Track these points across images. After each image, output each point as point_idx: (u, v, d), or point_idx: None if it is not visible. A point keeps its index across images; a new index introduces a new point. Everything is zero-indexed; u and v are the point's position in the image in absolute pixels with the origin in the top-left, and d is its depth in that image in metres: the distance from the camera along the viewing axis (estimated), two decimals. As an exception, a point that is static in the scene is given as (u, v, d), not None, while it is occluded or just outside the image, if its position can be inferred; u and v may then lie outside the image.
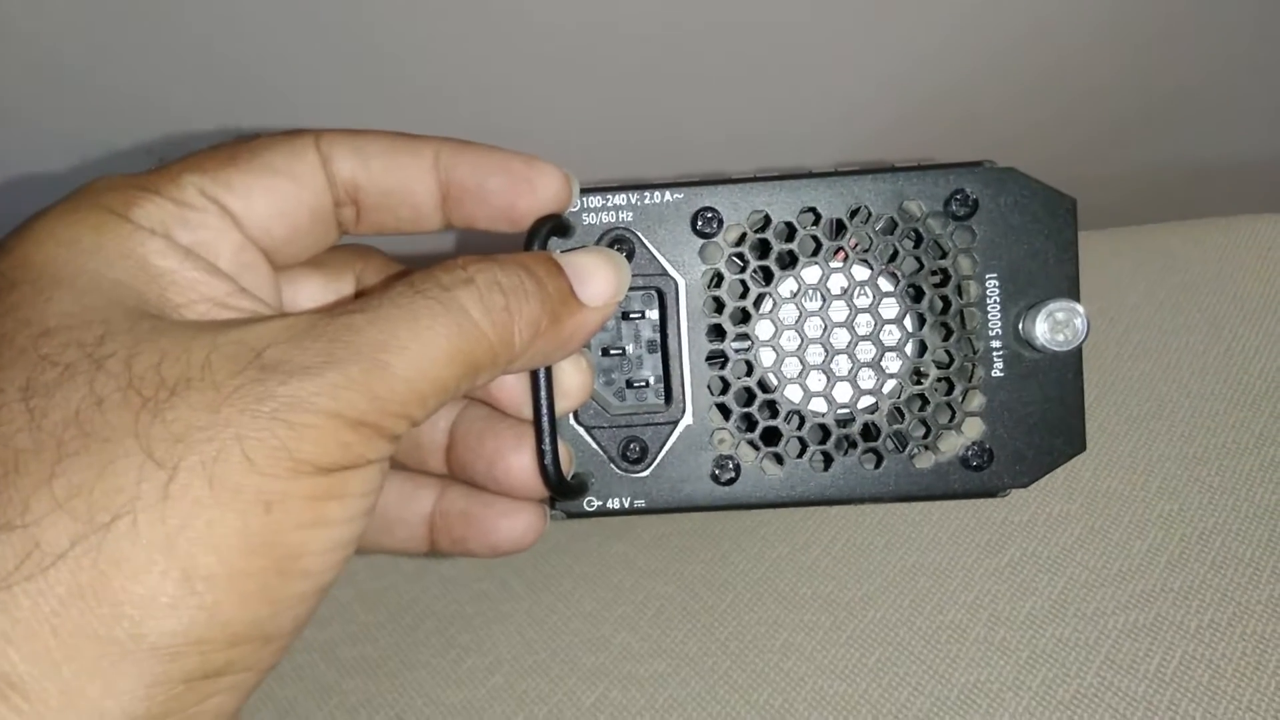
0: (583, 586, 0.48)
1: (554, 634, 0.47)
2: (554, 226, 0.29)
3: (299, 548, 0.21)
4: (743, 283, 0.31)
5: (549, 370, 0.28)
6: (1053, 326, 0.29)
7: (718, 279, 0.31)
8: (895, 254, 0.30)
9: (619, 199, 0.31)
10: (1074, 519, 0.46)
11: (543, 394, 0.28)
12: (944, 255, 0.30)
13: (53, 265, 0.23)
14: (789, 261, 0.31)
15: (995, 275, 0.30)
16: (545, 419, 0.28)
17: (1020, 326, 0.30)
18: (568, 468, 0.30)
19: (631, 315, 0.31)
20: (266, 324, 0.22)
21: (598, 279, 0.27)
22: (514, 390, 0.29)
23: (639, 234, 0.31)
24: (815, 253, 0.31)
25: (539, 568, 0.50)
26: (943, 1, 0.48)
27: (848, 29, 0.49)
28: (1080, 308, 0.29)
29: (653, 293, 0.31)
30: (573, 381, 0.29)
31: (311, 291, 0.30)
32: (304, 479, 0.21)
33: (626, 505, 0.31)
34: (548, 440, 0.28)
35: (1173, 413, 0.47)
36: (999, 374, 0.30)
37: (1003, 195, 0.30)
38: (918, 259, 0.30)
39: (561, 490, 0.29)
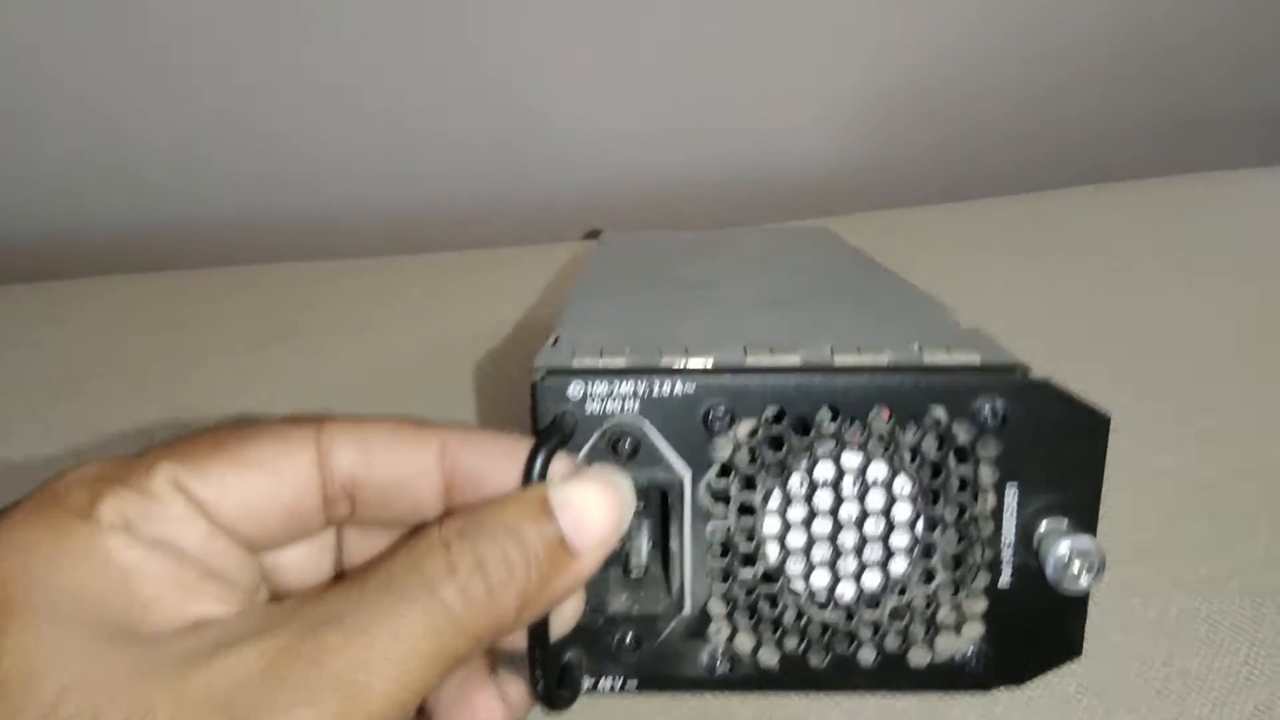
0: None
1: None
2: (556, 444, 0.26)
3: None
4: (751, 478, 0.29)
5: None
6: (1068, 566, 0.28)
7: (725, 472, 0.29)
8: (914, 456, 0.28)
9: (625, 387, 0.28)
10: (1072, 474, 0.45)
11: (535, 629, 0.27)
12: (964, 461, 0.28)
13: (7, 584, 0.22)
14: (801, 457, 0.29)
15: (1015, 484, 0.28)
16: (539, 650, 0.27)
17: (1035, 545, 0.29)
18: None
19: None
20: (237, 658, 0.21)
21: (596, 522, 0.25)
22: None
23: (645, 426, 0.28)
24: (830, 449, 0.28)
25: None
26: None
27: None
28: (1095, 548, 0.28)
29: (656, 487, 0.29)
30: (567, 610, 0.28)
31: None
32: None
33: (619, 687, 0.31)
34: (543, 671, 0.27)
35: (1173, 364, 0.45)
36: (1006, 584, 0.29)
37: (1034, 409, 0.28)
38: (937, 464, 0.28)
39: (561, 707, 0.29)
